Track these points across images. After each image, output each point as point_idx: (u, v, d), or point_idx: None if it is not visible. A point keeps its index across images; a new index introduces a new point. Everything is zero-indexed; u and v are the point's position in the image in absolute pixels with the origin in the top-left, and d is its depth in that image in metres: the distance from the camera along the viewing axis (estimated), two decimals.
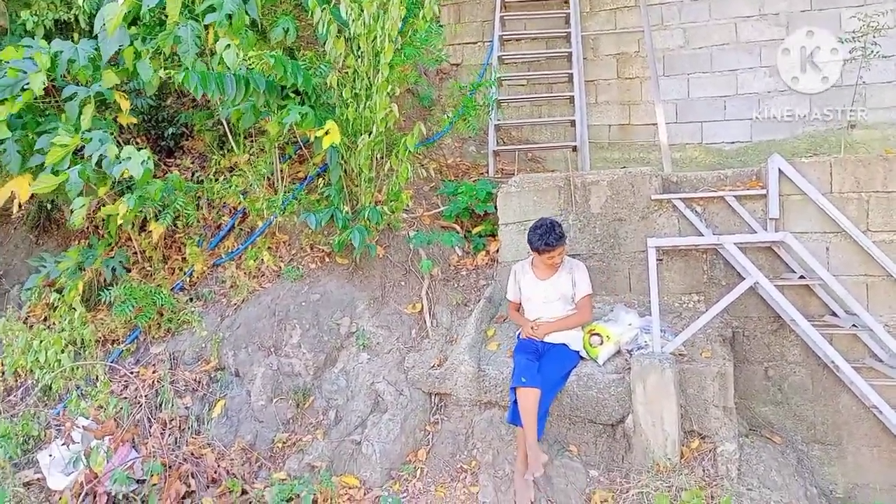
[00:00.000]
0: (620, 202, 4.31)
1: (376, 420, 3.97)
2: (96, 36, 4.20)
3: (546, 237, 3.64)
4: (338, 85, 4.27)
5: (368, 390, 4.10)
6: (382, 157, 4.56)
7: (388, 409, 3.98)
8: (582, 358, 3.75)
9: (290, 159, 4.95)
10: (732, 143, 5.78)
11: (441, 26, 4.96)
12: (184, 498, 3.60)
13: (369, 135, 4.28)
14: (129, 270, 4.66)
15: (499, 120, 5.75)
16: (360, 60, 4.26)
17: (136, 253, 4.74)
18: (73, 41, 4.37)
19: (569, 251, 4.15)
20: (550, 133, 6.16)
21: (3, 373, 4.42)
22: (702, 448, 3.37)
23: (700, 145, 5.85)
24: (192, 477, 3.77)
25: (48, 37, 4.66)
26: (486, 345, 4.04)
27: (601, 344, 3.70)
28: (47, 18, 4.64)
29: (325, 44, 4.23)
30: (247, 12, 4.03)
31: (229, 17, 3.95)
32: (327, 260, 4.61)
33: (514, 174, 5.02)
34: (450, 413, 3.94)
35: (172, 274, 4.70)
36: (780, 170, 4.02)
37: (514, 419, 3.42)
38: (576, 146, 5.44)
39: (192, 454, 3.94)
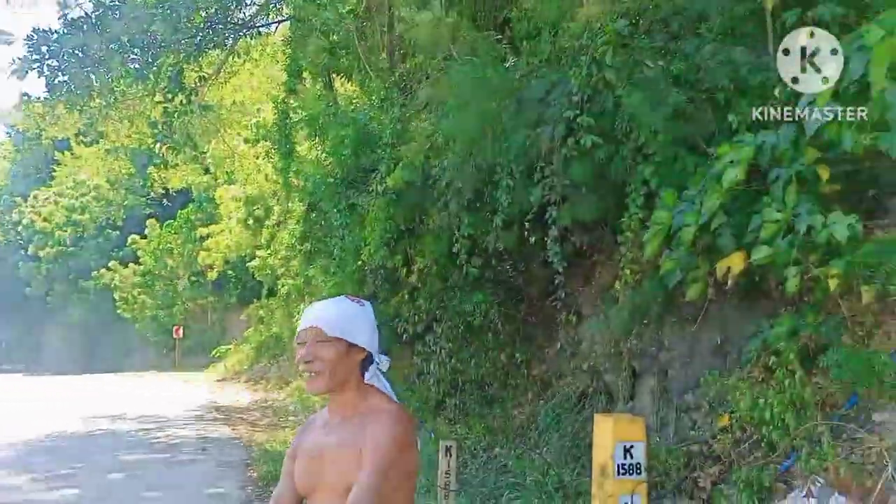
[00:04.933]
0: None
1: None
2: (796, 120, 4.62)
3: None
4: None
5: None
6: None
7: None
8: None
9: None
10: None
11: None
12: None
13: None
14: (840, 336, 4.73)
15: None
16: None
17: (845, 318, 4.78)
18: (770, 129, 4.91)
19: None
20: None
21: (732, 425, 5.06)
22: None
23: None
24: None
25: (748, 130, 5.33)
26: None
27: None
28: (748, 115, 5.33)
29: None
30: None
31: None
32: None
33: None
34: None
35: (889, 339, 4.53)
36: None
37: None
38: None
39: None
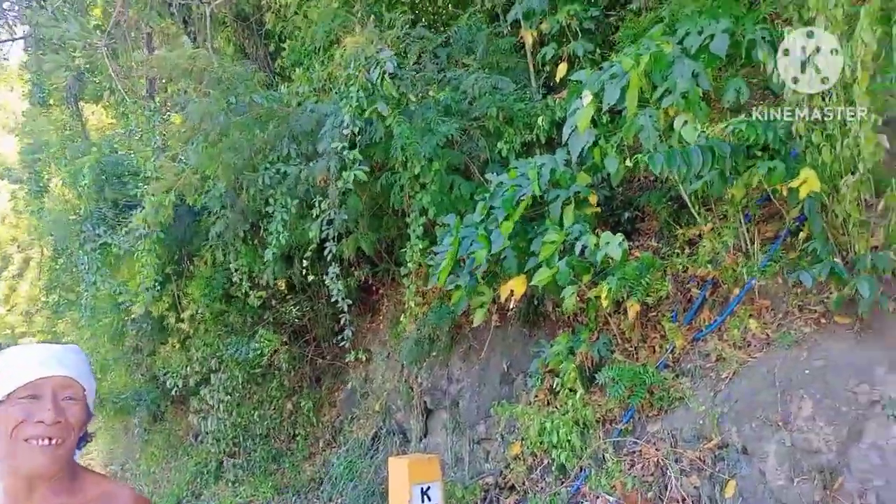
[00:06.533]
0: None
1: None
2: (563, 145, 4.77)
3: None
4: (806, 130, 3.97)
5: None
6: (871, 197, 4.01)
7: None
8: None
9: (755, 219, 4.72)
10: None
11: None
12: None
13: (852, 175, 3.83)
14: (612, 352, 4.93)
15: None
16: (827, 99, 3.91)
17: (615, 335, 5.01)
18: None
19: None
20: None
21: (524, 452, 5.02)
22: None
23: None
24: None
25: (517, 157, 5.46)
26: None
27: None
28: (516, 143, 5.47)
29: (780, 94, 4.02)
30: (698, 85, 4.10)
31: (683, 95, 4.07)
32: (823, 321, 4.15)
33: None
34: None
35: (654, 352, 4.81)
36: None
37: None
38: None
39: None
